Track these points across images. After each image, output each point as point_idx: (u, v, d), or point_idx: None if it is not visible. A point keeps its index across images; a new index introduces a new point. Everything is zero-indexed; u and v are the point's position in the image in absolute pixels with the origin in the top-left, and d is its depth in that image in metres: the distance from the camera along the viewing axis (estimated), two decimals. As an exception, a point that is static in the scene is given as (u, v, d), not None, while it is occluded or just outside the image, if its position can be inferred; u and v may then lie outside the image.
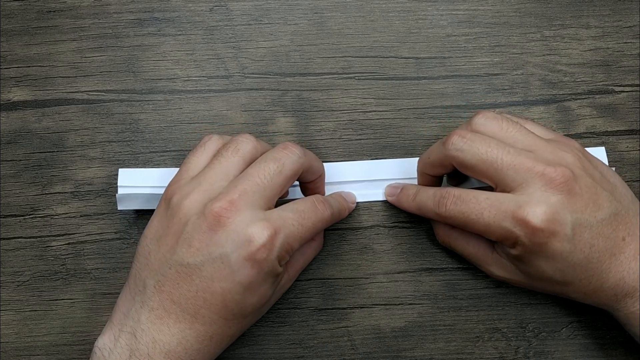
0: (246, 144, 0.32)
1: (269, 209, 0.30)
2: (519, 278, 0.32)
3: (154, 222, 0.31)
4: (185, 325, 0.29)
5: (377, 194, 0.37)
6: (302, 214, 0.31)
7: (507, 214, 0.29)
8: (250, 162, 0.32)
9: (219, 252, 0.29)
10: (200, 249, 0.29)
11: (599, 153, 0.36)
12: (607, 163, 0.36)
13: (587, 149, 0.36)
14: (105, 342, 0.30)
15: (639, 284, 0.30)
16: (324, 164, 0.36)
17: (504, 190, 0.30)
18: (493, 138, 0.31)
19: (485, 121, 0.32)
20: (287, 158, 0.31)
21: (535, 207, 0.29)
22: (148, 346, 0.29)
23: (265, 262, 0.29)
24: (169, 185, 0.32)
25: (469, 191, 0.31)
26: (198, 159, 0.33)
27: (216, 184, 0.30)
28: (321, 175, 0.35)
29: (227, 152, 0.32)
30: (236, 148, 0.32)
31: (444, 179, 0.36)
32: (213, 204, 0.29)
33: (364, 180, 0.37)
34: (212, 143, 0.33)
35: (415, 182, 0.36)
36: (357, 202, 0.37)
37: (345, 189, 0.37)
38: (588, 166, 0.31)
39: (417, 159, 0.36)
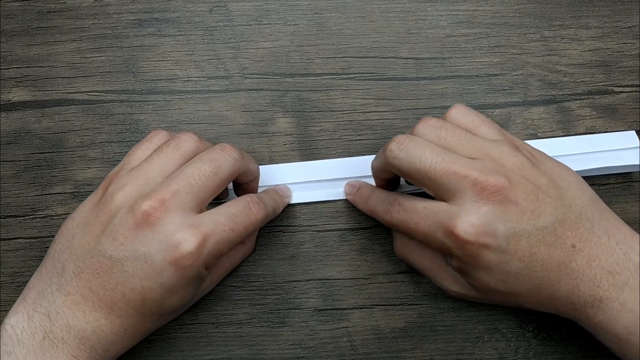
0: (189, 142, 0.32)
1: (201, 210, 0.30)
2: (473, 292, 0.31)
3: (85, 207, 0.31)
4: (101, 314, 0.29)
5: (339, 194, 0.37)
6: (234, 218, 0.30)
7: (439, 225, 0.29)
8: None
9: (143, 251, 0.28)
10: (124, 244, 0.29)
11: (630, 137, 0.37)
12: (638, 145, 0.36)
13: (619, 132, 0.37)
14: (18, 320, 0.29)
15: (599, 294, 0.28)
16: (289, 164, 0.36)
17: (441, 199, 0.29)
18: (431, 143, 0.30)
19: (425, 130, 0.31)
20: (223, 160, 0.31)
21: (464, 218, 0.28)
22: (62, 330, 0.28)
23: (190, 268, 0.29)
24: (109, 174, 0.32)
25: (411, 199, 0.31)
26: (142, 152, 0.32)
27: (152, 180, 0.30)
28: (256, 177, 0.35)
29: (167, 148, 0.31)
30: (177, 145, 0.31)
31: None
32: (143, 201, 0.29)
33: (326, 179, 0.37)
34: (159, 138, 0.33)
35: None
36: (330, 201, 0.37)
37: (307, 188, 0.37)
38: (532, 173, 0.29)
39: (373, 156, 0.36)
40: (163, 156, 0.31)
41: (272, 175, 0.37)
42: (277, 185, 0.37)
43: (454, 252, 0.29)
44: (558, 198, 0.29)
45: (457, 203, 0.28)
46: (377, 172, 0.34)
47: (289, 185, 0.37)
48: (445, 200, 0.29)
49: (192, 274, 0.29)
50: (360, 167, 0.37)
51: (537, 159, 0.31)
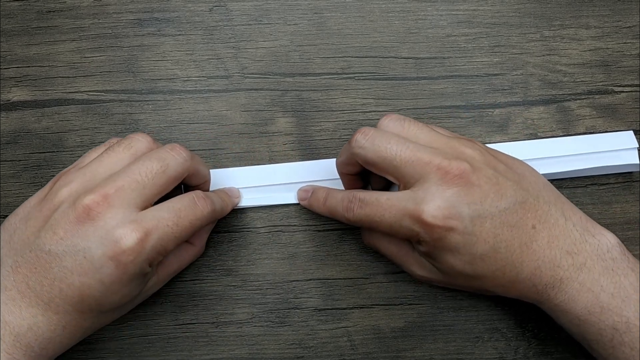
0: (141, 143, 0.31)
1: (146, 208, 0.30)
2: (438, 276, 0.32)
3: (30, 203, 0.31)
4: (38, 311, 0.28)
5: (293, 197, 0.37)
6: (178, 213, 0.30)
7: (405, 213, 0.29)
8: None
9: (83, 246, 0.28)
10: (64, 238, 0.28)
11: (628, 137, 0.37)
12: (637, 145, 0.37)
13: (616, 132, 0.37)
14: None
15: (559, 274, 0.30)
16: (286, 164, 0.37)
17: (406, 187, 0.30)
18: (395, 135, 0.31)
19: (389, 122, 0.32)
20: (172, 159, 0.30)
21: (430, 203, 0.29)
22: None
23: (131, 264, 0.28)
24: (60, 172, 0.32)
25: (372, 193, 0.31)
26: (96, 153, 0.32)
27: (98, 176, 0.30)
28: (206, 180, 0.34)
29: (119, 148, 0.31)
30: (129, 145, 0.31)
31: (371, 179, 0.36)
32: (86, 195, 0.28)
33: (326, 179, 0.37)
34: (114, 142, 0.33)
35: (334, 182, 0.37)
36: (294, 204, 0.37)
37: (267, 191, 0.37)
38: (490, 159, 0.31)
39: (333, 160, 0.36)
40: (113, 155, 0.31)
41: (272, 175, 0.37)
42: (229, 187, 0.37)
43: (422, 237, 0.30)
44: (516, 182, 0.31)
45: (422, 188, 0.29)
46: (342, 167, 0.34)
47: (283, 186, 0.37)
48: (409, 188, 0.30)
49: (134, 270, 0.29)
50: None
51: (492, 150, 0.33)
